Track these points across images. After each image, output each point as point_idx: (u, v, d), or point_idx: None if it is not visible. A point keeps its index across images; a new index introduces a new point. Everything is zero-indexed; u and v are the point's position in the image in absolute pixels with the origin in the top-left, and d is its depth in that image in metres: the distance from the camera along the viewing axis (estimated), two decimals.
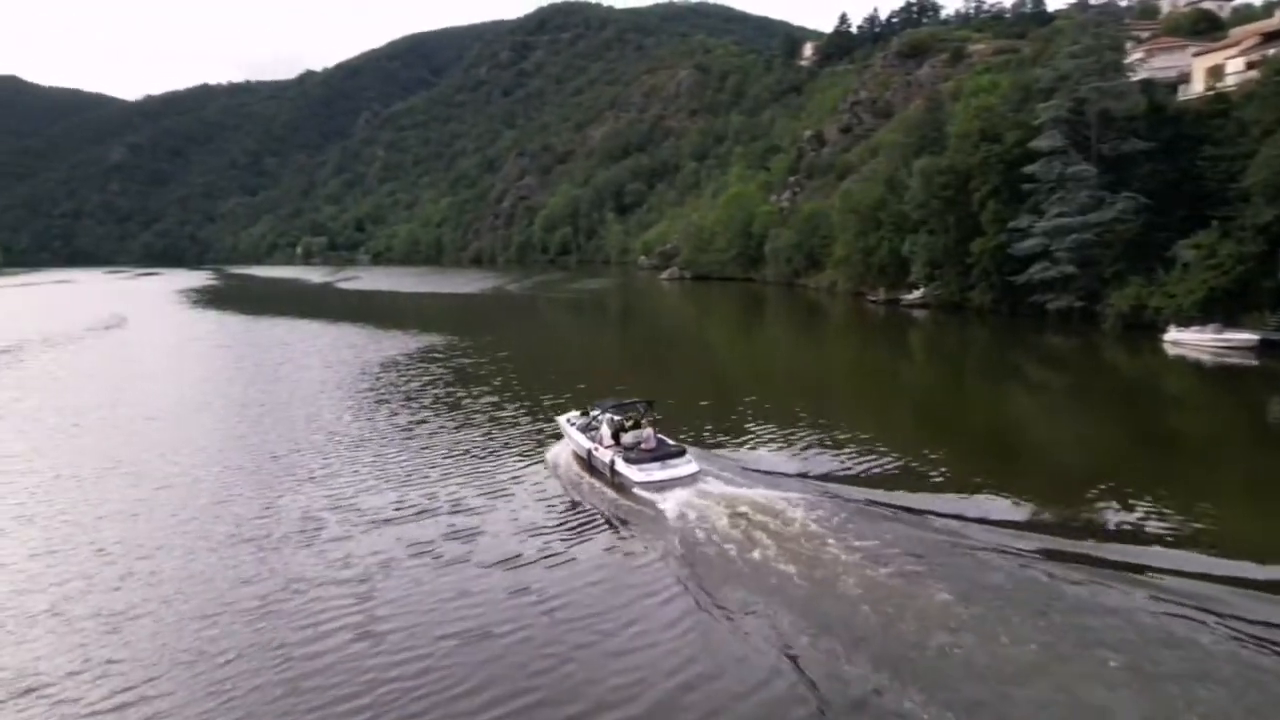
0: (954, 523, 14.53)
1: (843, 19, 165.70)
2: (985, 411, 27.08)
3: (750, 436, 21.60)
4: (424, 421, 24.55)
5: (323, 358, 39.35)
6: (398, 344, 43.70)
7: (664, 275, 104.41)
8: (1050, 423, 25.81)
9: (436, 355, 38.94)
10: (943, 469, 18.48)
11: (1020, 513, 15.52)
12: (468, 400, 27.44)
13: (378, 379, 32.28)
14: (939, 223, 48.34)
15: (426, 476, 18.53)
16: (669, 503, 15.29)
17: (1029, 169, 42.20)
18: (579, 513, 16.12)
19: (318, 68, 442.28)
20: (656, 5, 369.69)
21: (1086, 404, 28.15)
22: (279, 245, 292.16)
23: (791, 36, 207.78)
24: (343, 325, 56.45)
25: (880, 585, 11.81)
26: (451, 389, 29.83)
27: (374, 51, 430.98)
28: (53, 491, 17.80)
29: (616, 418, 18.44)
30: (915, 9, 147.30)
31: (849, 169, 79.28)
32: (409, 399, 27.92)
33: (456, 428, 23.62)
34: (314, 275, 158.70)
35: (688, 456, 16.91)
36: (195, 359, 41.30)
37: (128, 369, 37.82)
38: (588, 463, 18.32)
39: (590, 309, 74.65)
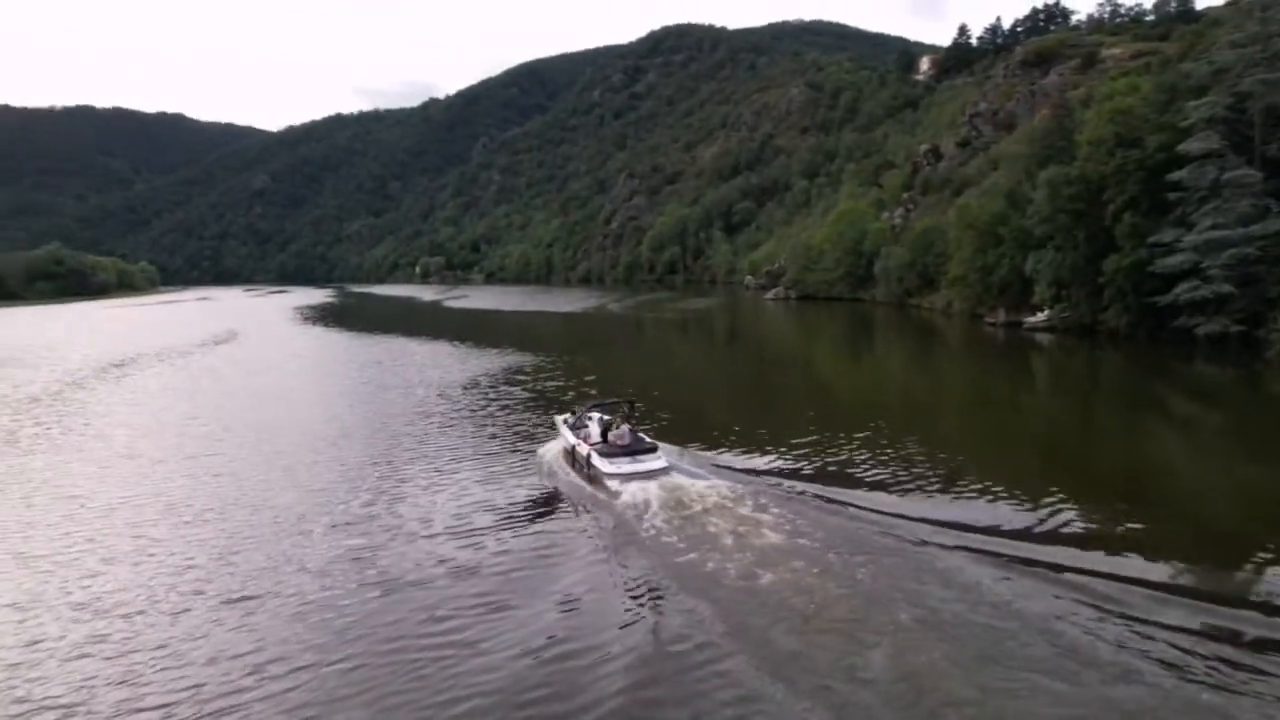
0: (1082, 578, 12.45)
1: (962, 30, 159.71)
2: (1119, 450, 22.98)
3: (860, 472, 19.12)
4: (481, 448, 23.12)
5: (407, 378, 38.63)
6: (486, 363, 42.81)
7: (769, 295, 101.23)
8: (1202, 467, 21.61)
9: (521, 376, 37.56)
10: (1057, 509, 15.82)
11: (1162, 572, 12.82)
12: (541, 430, 25.49)
13: (455, 402, 30.96)
14: (1067, 238, 43.57)
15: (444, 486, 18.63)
16: (628, 492, 16.64)
17: (1175, 176, 37.36)
18: (551, 500, 17.67)
19: (441, 95, 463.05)
20: (769, 25, 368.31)
21: (1250, 446, 23.64)
22: (399, 265, 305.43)
23: (908, 52, 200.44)
24: (439, 343, 56.36)
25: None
26: (525, 415, 28.06)
27: (493, 79, 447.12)
28: (73, 525, 16.83)
29: (606, 417, 20.00)
30: (1042, 16, 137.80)
31: (967, 183, 74.18)
32: (479, 426, 26.40)
33: (503, 448, 22.24)
34: (426, 294, 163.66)
35: (658, 453, 18.11)
36: (283, 378, 41.18)
37: (216, 386, 38.03)
38: (572, 456, 19.66)
39: (686, 329, 72.28)
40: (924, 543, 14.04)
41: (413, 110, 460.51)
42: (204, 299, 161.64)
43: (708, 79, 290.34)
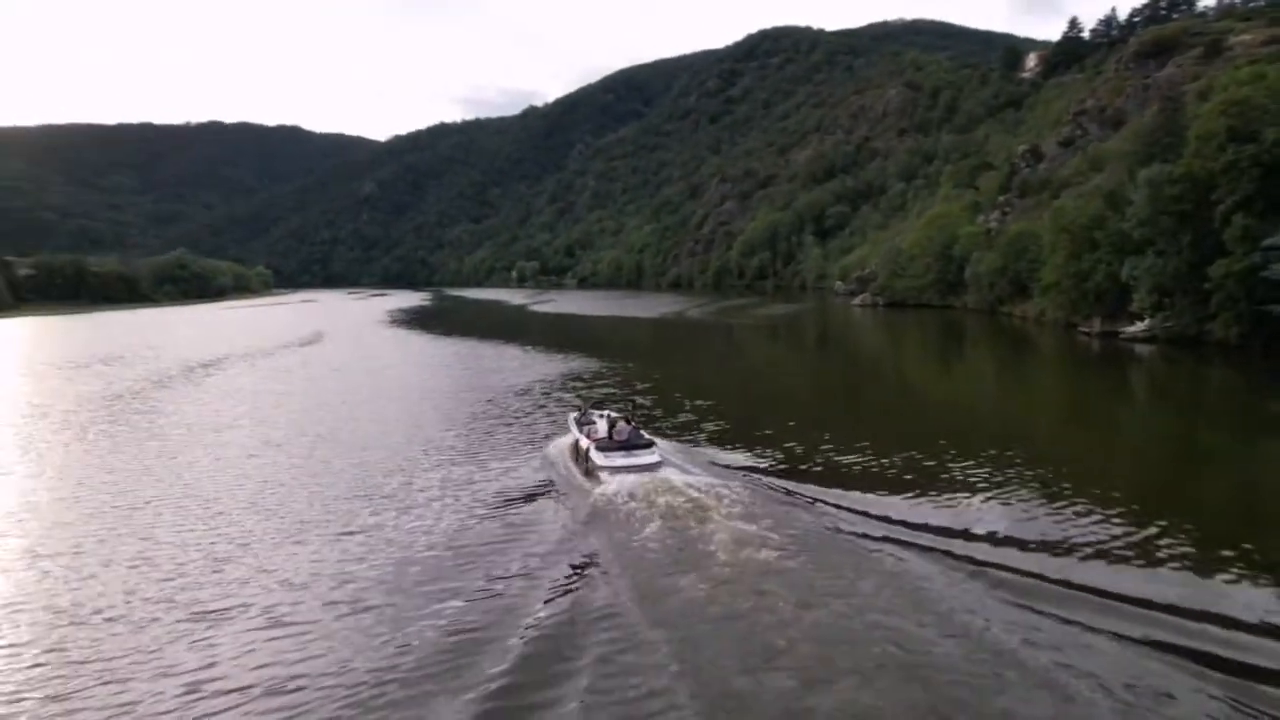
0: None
1: (1073, 24, 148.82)
2: (1233, 474, 20.52)
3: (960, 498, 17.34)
4: (505, 453, 22.70)
5: (470, 382, 39.18)
6: (548, 368, 42.84)
7: (855, 301, 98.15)
8: None
9: (576, 383, 37.12)
10: (1134, 537, 14.36)
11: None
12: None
13: (504, 407, 30.76)
14: (1169, 242, 40.08)
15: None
16: (615, 483, 17.14)
17: None
18: (548, 498, 18.01)
19: (540, 103, 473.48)
20: (869, 25, 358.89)
21: None
22: (496, 269, 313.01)
23: (1014, 49, 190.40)
24: (511, 347, 56.95)
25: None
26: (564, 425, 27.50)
27: (591, 86, 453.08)
28: (91, 525, 17.18)
29: (613, 415, 21.07)
30: (1163, 4, 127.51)
31: (1066, 185, 69.64)
32: (518, 431, 26.07)
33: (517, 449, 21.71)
34: (516, 298, 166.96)
35: (653, 449, 18.86)
36: (347, 380, 41.83)
37: (282, 388, 38.97)
38: (576, 451, 20.68)
39: (762, 336, 70.42)
40: (945, 565, 12.83)
41: (513, 118, 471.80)
42: (308, 301, 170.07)
43: (804, 81, 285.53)
